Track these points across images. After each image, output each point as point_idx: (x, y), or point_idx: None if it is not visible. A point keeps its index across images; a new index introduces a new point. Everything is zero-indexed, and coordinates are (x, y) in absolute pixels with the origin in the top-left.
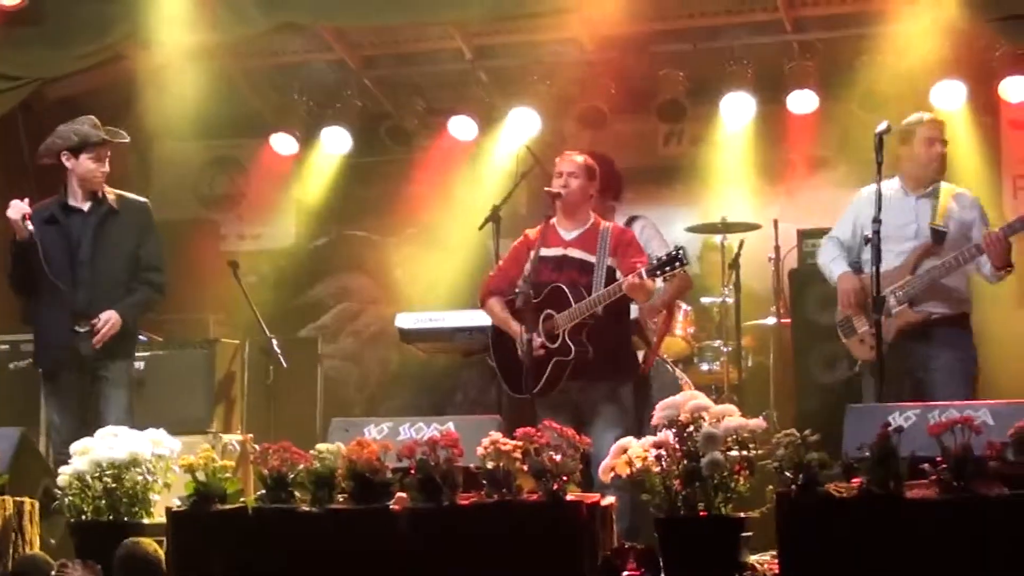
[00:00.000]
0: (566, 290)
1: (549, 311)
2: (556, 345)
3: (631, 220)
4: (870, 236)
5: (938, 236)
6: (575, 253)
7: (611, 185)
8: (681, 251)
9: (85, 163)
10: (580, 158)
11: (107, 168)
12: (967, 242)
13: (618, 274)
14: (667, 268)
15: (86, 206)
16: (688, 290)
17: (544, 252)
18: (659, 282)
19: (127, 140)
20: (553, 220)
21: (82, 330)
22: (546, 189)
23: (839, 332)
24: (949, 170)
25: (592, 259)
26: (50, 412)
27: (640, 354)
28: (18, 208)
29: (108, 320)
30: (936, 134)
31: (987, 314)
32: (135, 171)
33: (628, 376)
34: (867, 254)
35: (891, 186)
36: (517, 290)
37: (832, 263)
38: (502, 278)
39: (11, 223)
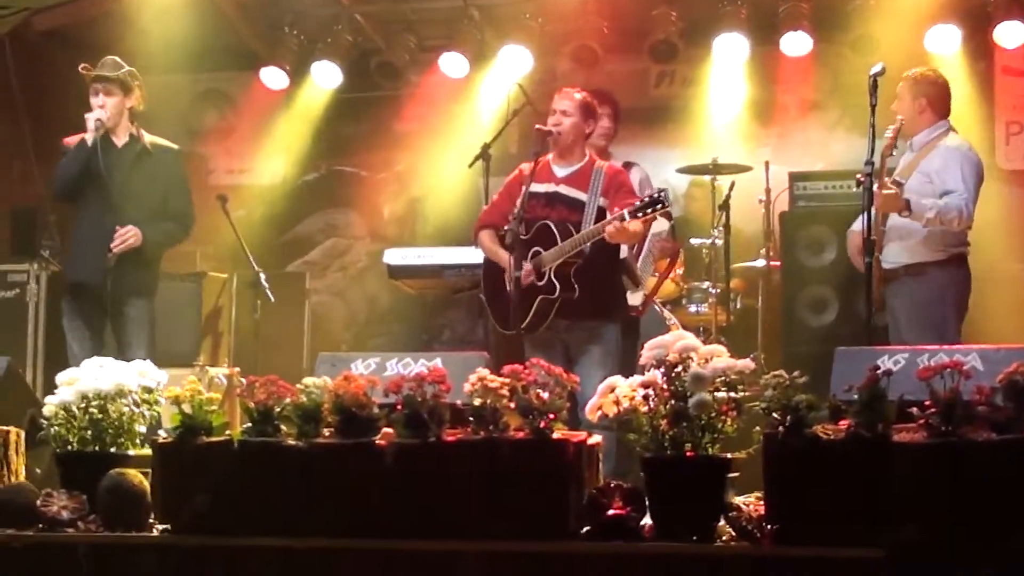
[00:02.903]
0: (553, 227)
1: (537, 248)
2: (542, 283)
3: (627, 166)
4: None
5: (895, 187)
6: (566, 191)
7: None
8: (663, 193)
9: (91, 100)
10: (578, 95)
11: (103, 103)
12: (930, 190)
13: (608, 215)
14: (648, 210)
15: (121, 142)
16: (675, 259)
17: (535, 188)
18: (656, 226)
19: (106, 75)
20: (548, 156)
21: (110, 264)
22: (537, 127)
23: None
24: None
25: (583, 197)
26: (69, 340)
27: (638, 295)
28: (95, 114)
29: (128, 230)
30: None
31: (976, 261)
32: None
33: (615, 316)
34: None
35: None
36: (506, 227)
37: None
38: (495, 212)
39: (85, 124)
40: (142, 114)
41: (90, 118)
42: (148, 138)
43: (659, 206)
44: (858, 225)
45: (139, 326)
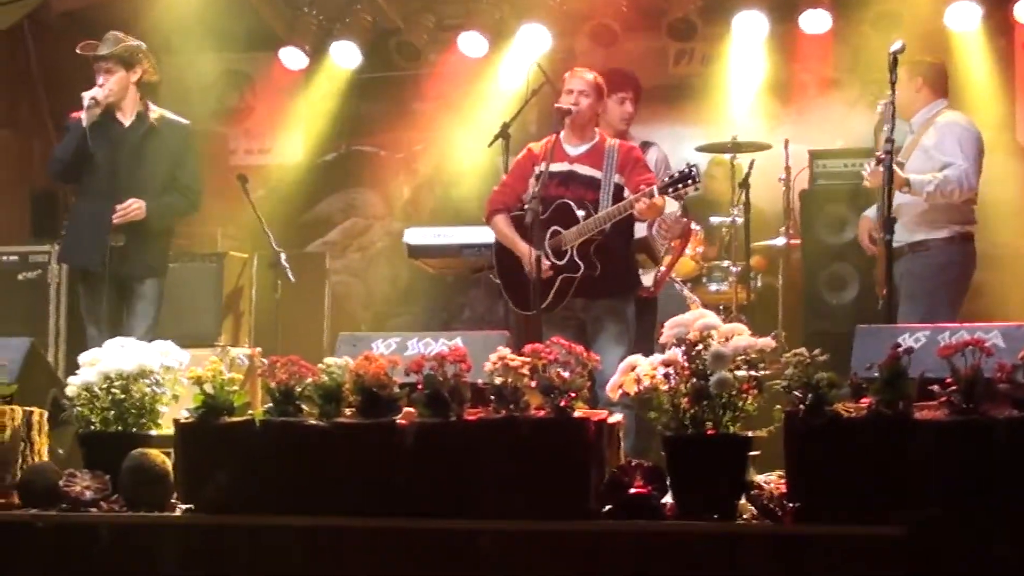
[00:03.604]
0: (572, 206)
1: (556, 227)
2: (564, 262)
3: (644, 146)
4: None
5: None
6: (581, 169)
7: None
8: (694, 168)
9: (95, 78)
10: (590, 75)
11: (103, 82)
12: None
13: (626, 191)
14: (679, 185)
15: (127, 121)
16: (686, 238)
17: (549, 168)
18: (668, 205)
19: (99, 54)
20: (558, 136)
21: (117, 244)
22: (556, 105)
23: None
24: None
25: (599, 175)
26: (88, 325)
27: (650, 274)
28: (91, 92)
29: (132, 203)
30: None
31: (997, 239)
32: None
33: (631, 293)
34: None
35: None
36: (525, 206)
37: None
38: (507, 193)
39: (83, 104)
40: (163, 96)
41: (85, 97)
42: (157, 113)
43: (690, 181)
44: (872, 211)
45: (146, 304)
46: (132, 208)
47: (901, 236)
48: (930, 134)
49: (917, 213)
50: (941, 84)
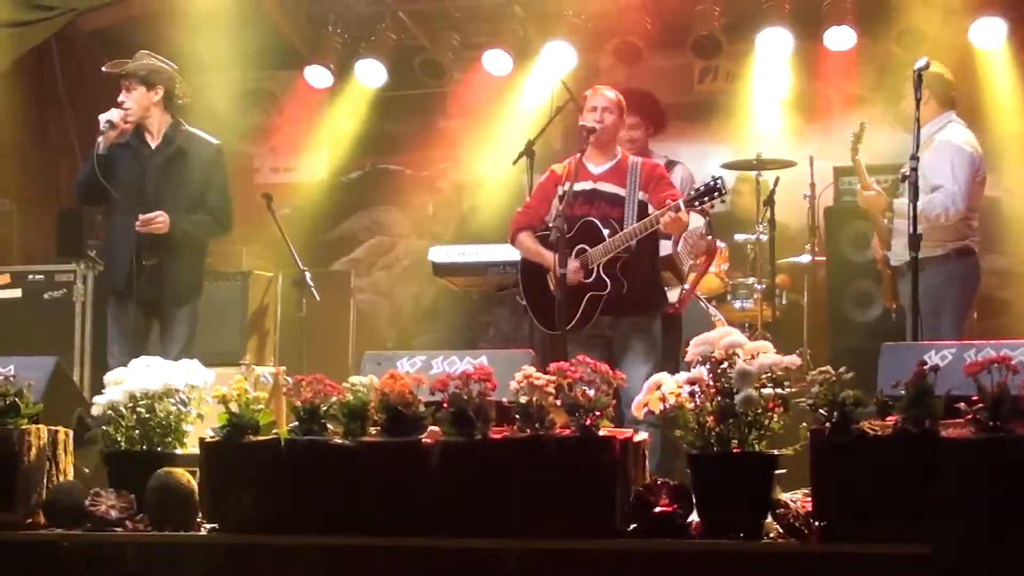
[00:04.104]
0: (597, 223)
1: (582, 245)
2: (591, 279)
3: (669, 164)
4: (907, 173)
5: (895, 184)
6: (605, 187)
7: (655, 120)
8: (719, 180)
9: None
10: (611, 93)
11: (124, 99)
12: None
13: (650, 208)
14: (705, 198)
15: (154, 142)
16: (711, 256)
17: (572, 187)
18: (692, 222)
19: (122, 71)
20: (579, 156)
21: (148, 263)
22: (580, 123)
23: None
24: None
25: (623, 192)
26: (111, 340)
27: (674, 292)
28: (106, 116)
29: (156, 215)
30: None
31: (1022, 253)
32: None
33: (657, 311)
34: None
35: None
36: (551, 224)
37: None
38: (531, 215)
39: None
40: (188, 114)
41: (100, 120)
42: (186, 132)
43: (716, 194)
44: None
45: (181, 327)
46: (157, 220)
47: (900, 255)
48: (928, 153)
49: (899, 234)
50: (948, 96)
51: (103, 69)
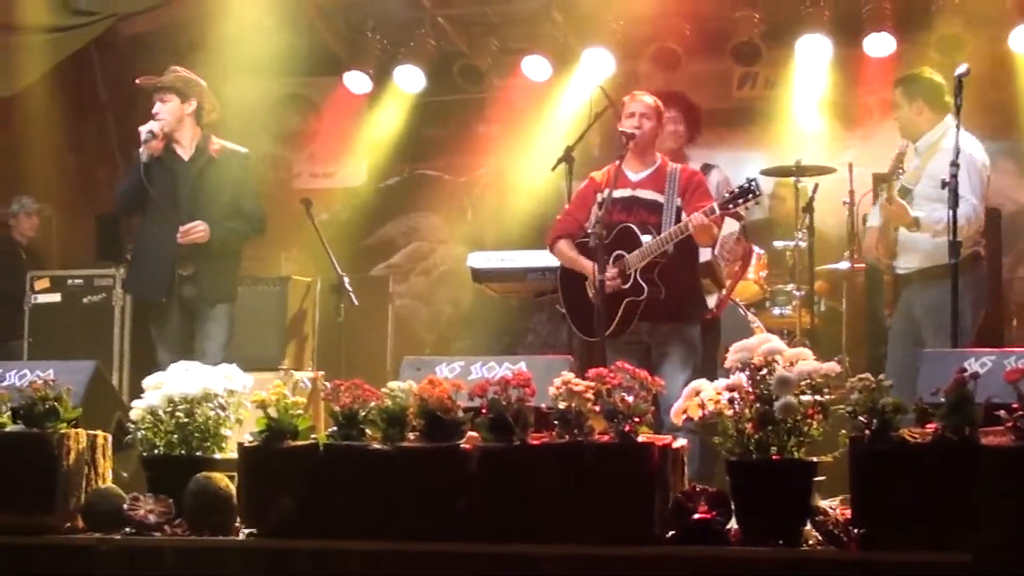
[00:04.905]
0: (635, 229)
1: (619, 251)
2: (628, 285)
3: (706, 168)
4: (947, 180)
5: (903, 192)
6: (644, 194)
7: (692, 123)
8: (754, 182)
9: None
10: (650, 98)
11: (158, 110)
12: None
13: (683, 215)
14: (740, 200)
15: (187, 155)
16: (747, 261)
17: (611, 194)
18: (727, 228)
19: (158, 82)
20: (620, 163)
21: (185, 273)
22: (620, 129)
23: None
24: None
25: (661, 199)
26: (158, 347)
27: (713, 297)
28: (147, 127)
29: (196, 224)
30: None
31: None
32: None
33: (696, 317)
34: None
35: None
36: (590, 230)
37: (869, 216)
38: (570, 222)
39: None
40: (227, 120)
41: (142, 131)
42: (217, 144)
43: (750, 195)
44: (873, 220)
45: (217, 326)
46: (197, 229)
47: (910, 263)
48: (939, 160)
49: (923, 241)
50: (941, 102)
51: (137, 82)
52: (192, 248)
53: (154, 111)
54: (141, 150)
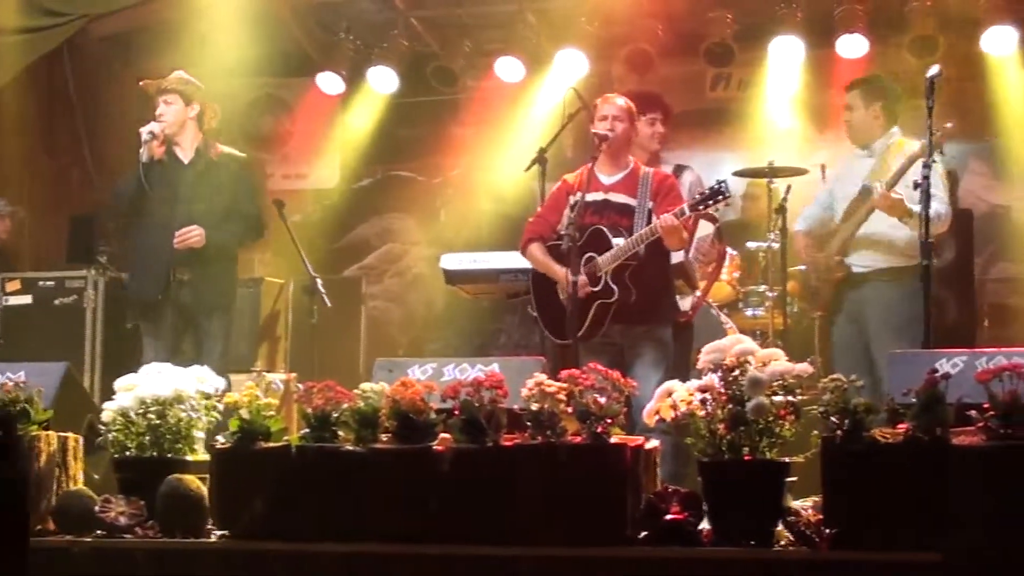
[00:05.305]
0: (606, 231)
1: (591, 253)
2: (599, 287)
3: (679, 169)
4: (919, 181)
5: (864, 192)
6: (616, 197)
7: (669, 124)
8: (723, 184)
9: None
10: (622, 100)
11: (163, 112)
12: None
13: (653, 217)
14: (709, 201)
15: (187, 158)
16: (720, 263)
17: (586, 197)
18: (702, 229)
19: (165, 84)
20: (592, 166)
21: (183, 278)
22: (593, 131)
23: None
24: (1000, 115)
25: (633, 202)
26: (146, 343)
27: (688, 300)
28: (148, 127)
29: (192, 229)
30: (846, 102)
31: None
32: None
33: (668, 319)
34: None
35: (857, 149)
36: (562, 232)
37: (798, 221)
38: (542, 225)
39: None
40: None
41: (142, 132)
42: (217, 148)
43: (720, 197)
44: (802, 225)
45: (213, 341)
46: (193, 234)
47: (867, 262)
48: (910, 167)
49: (888, 241)
50: (895, 110)
51: (140, 84)
52: (188, 253)
53: (158, 113)
54: (141, 151)
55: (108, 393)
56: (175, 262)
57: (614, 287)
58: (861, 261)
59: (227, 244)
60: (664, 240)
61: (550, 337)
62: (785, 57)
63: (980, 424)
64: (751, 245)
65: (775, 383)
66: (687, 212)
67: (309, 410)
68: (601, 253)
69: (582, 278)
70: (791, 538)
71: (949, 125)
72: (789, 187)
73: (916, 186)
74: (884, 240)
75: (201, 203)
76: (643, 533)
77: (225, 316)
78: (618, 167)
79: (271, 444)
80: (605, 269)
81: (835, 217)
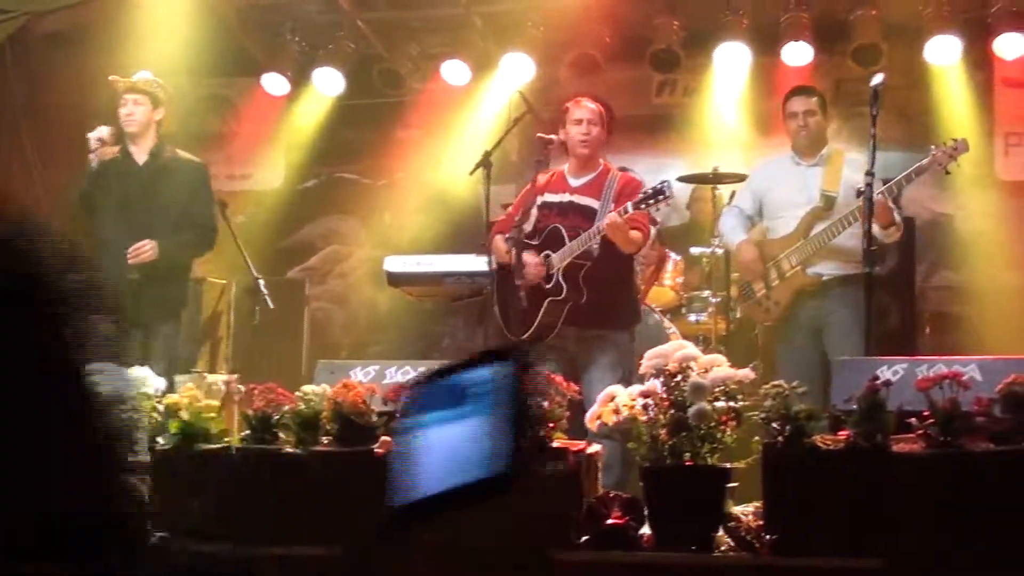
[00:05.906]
0: (563, 231)
1: (547, 251)
2: (550, 285)
3: (620, 171)
4: (863, 189)
5: (827, 201)
6: (580, 199)
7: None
8: (665, 183)
9: (119, 111)
10: (594, 104)
11: (132, 112)
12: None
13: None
14: (651, 200)
15: (141, 159)
16: (661, 266)
17: (549, 198)
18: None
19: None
20: (564, 167)
21: (133, 276)
22: (539, 135)
23: (740, 297)
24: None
25: (596, 204)
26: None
27: None
28: (95, 133)
29: (144, 244)
30: (798, 108)
31: (976, 272)
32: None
33: (626, 324)
34: (767, 222)
35: (782, 157)
36: (507, 236)
37: (731, 232)
38: (508, 221)
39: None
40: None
41: (91, 138)
42: (172, 152)
43: (661, 196)
44: (740, 235)
45: (163, 347)
46: (145, 249)
47: (830, 269)
48: (844, 170)
49: (846, 249)
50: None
51: (110, 79)
52: (140, 266)
53: (126, 112)
54: (91, 156)
55: None
56: (128, 266)
57: (564, 284)
58: (826, 270)
59: (180, 256)
60: (611, 239)
61: (499, 334)
62: (731, 64)
63: (920, 432)
64: (695, 250)
65: (717, 389)
66: (630, 210)
67: (250, 412)
68: (556, 251)
69: (537, 259)
70: (732, 543)
71: (959, 139)
72: (733, 193)
73: (859, 194)
74: (843, 248)
75: (155, 206)
76: (584, 537)
77: (174, 323)
78: (588, 170)
79: (211, 446)
80: (558, 267)
81: (775, 228)
